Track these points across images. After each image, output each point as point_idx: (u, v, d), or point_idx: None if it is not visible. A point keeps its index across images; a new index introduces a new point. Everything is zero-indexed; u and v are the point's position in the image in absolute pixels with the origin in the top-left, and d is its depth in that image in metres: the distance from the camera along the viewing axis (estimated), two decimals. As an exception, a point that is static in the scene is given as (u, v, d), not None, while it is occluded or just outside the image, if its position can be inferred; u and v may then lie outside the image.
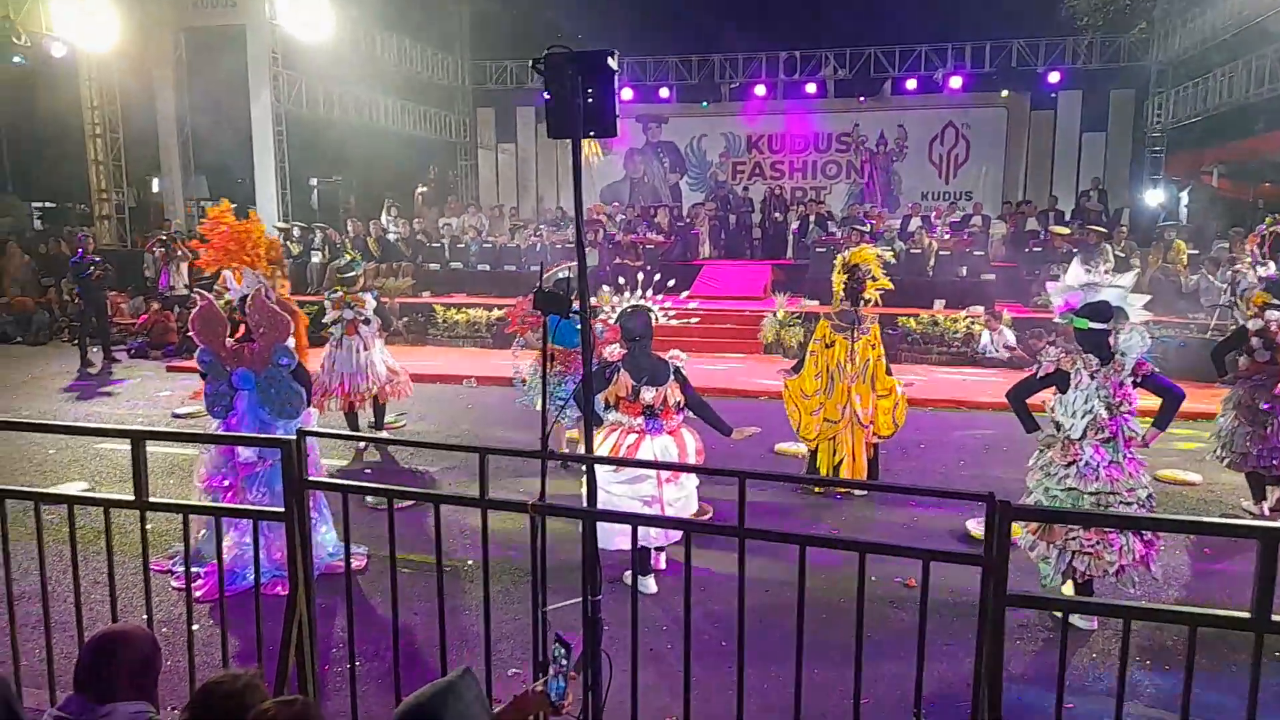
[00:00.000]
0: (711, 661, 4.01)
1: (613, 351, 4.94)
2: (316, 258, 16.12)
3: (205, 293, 5.29)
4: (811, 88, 20.56)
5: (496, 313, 14.13)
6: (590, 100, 2.46)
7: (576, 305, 2.81)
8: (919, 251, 14.82)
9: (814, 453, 6.90)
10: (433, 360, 12.44)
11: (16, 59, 15.36)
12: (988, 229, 16.68)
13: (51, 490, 4.36)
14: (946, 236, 15.75)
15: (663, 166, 22.25)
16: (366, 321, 7.99)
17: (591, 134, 2.51)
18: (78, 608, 3.07)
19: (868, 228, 15.27)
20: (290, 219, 17.48)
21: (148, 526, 3.15)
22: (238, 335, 5.29)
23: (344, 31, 17.78)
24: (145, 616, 3.19)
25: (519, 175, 23.70)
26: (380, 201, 19.89)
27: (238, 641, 3.17)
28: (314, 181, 23.22)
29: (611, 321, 4.97)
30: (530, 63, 2.62)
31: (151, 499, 3.01)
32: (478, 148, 24.09)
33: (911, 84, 19.97)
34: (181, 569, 5.06)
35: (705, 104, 21.59)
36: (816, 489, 6.81)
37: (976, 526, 5.88)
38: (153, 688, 2.34)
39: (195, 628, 3.16)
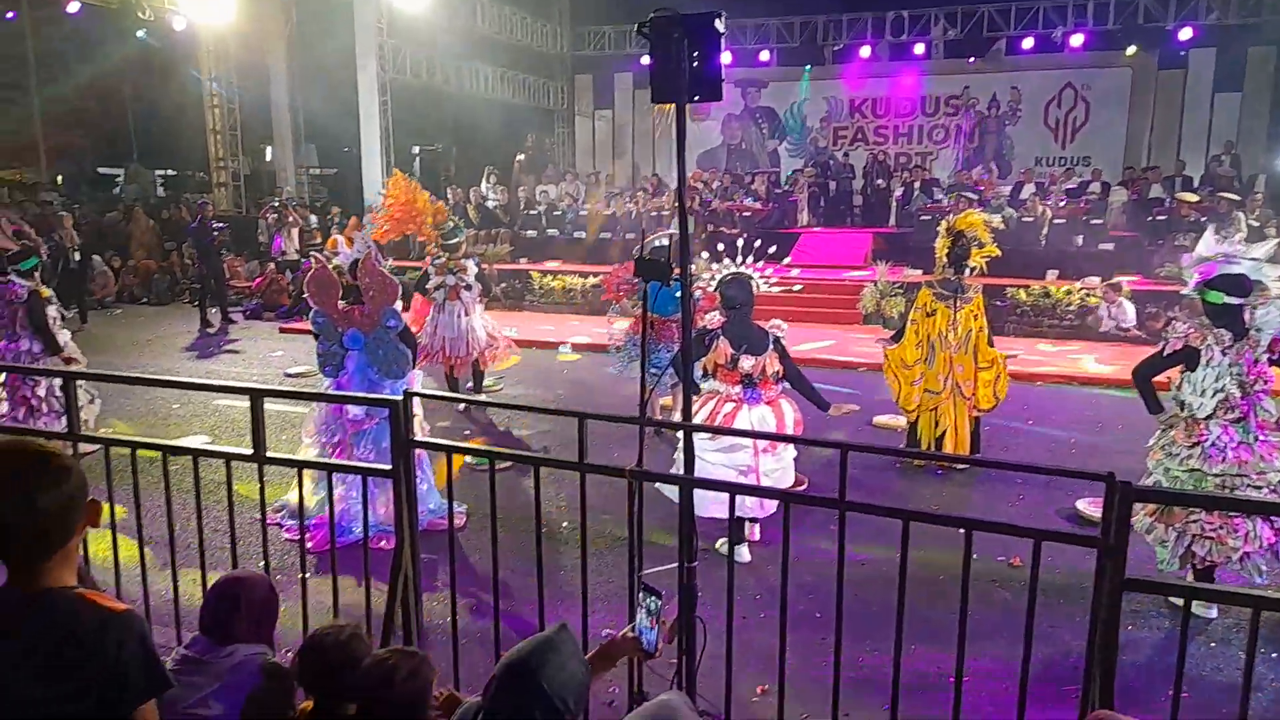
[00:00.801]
0: (805, 634, 3.98)
1: (711, 319, 4.91)
2: (419, 224, 16.57)
3: (319, 256, 5.50)
4: (919, 48, 19.83)
5: (591, 280, 14.24)
6: (695, 64, 2.43)
7: (677, 273, 2.80)
8: (1031, 219, 14.20)
9: (914, 425, 6.76)
10: (529, 326, 12.64)
11: (141, 33, 16.16)
12: (1107, 196, 15.83)
13: (177, 443, 4.65)
14: (1061, 204, 15.03)
15: (761, 132, 21.89)
16: (468, 287, 8.17)
17: (696, 98, 2.48)
18: (201, 554, 3.26)
19: (976, 194, 14.71)
20: (395, 186, 17.97)
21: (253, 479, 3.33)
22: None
23: (446, 1, 18.05)
24: (262, 564, 3.37)
25: (615, 142, 23.72)
26: (480, 169, 20.24)
27: (345, 592, 3.33)
28: (416, 150, 23.81)
29: (710, 289, 4.95)
30: (635, 26, 2.60)
31: (268, 453, 3.16)
32: (575, 115, 24.19)
33: (1028, 43, 19.00)
34: (289, 522, 5.33)
35: (808, 67, 21.06)
36: (916, 463, 6.66)
37: (1088, 507, 5.65)
38: (270, 631, 2.48)
39: (303, 576, 3.32)
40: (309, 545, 4.98)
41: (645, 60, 22.82)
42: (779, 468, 4.83)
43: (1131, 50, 18.64)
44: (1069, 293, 12.34)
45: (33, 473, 1.63)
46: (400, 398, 3.01)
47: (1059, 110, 19.61)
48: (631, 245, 13.97)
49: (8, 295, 6.71)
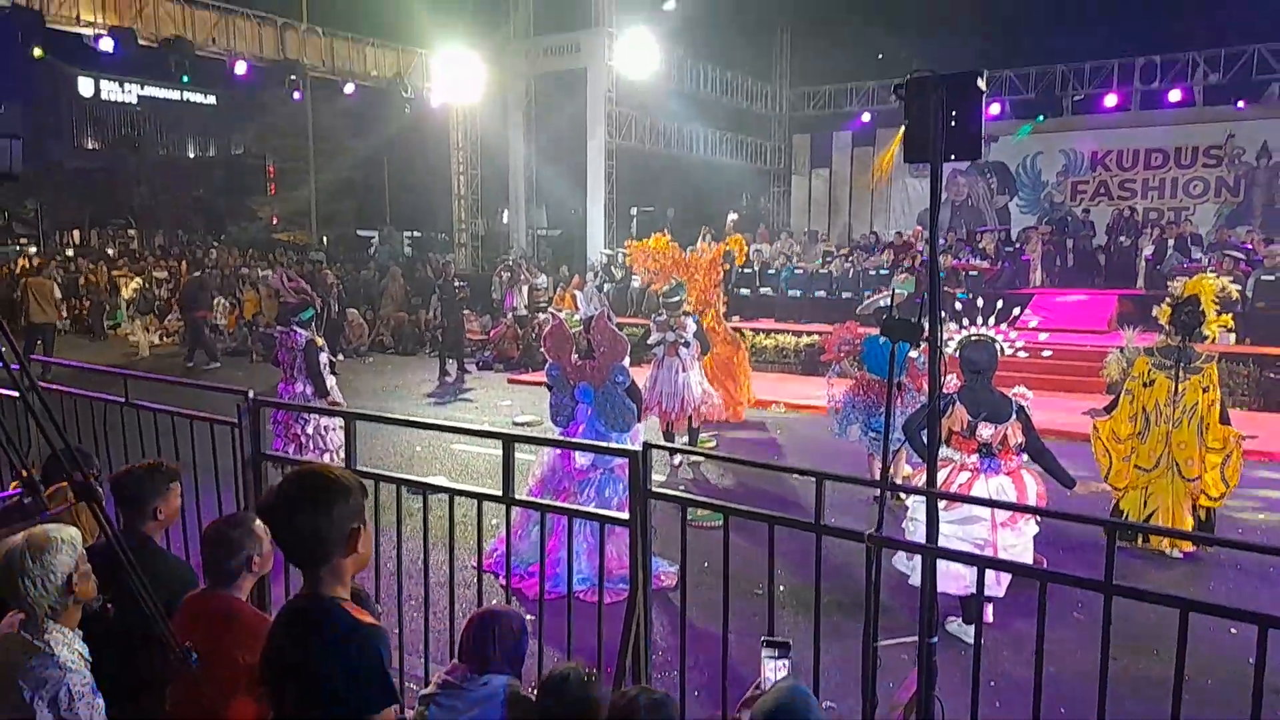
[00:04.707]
0: (1050, 728, 3.68)
1: (948, 382, 4.75)
2: (637, 282, 17.14)
3: (555, 313, 5.86)
4: (1175, 95, 18.37)
5: (805, 340, 14.13)
6: (954, 123, 2.42)
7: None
8: (1313, 282, 12.60)
9: (1117, 504, 6.16)
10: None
11: (407, 110, 18.10)
12: None
13: (435, 481, 5.06)
14: (1352, 264, 13.22)
15: (989, 188, 21.02)
16: (686, 344, 8.35)
17: (952, 157, 2.46)
18: (450, 588, 3.51)
19: (1244, 254, 13.31)
20: (615, 245, 18.82)
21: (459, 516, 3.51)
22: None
23: (670, 67, 18.91)
24: (498, 601, 3.58)
25: (831, 200, 23.65)
26: (695, 229, 20.76)
27: (571, 640, 3.46)
28: (634, 210, 24.87)
29: (950, 352, 4.79)
30: (892, 87, 2.63)
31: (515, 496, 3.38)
32: (791, 174, 24.40)
33: (1308, 84, 17.13)
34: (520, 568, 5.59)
35: (1041, 118, 20.06)
36: (1122, 543, 6.03)
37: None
38: (520, 664, 2.64)
39: (529, 617, 3.48)
40: (529, 593, 5.16)
41: (866, 118, 22.83)
42: (1018, 543, 4.54)
43: None
44: (1364, 366, 10.79)
45: (309, 492, 1.91)
46: (638, 448, 3.14)
47: (1347, 159, 17.43)
48: (850, 305, 13.76)
49: (289, 343, 7.58)
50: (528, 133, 20.57)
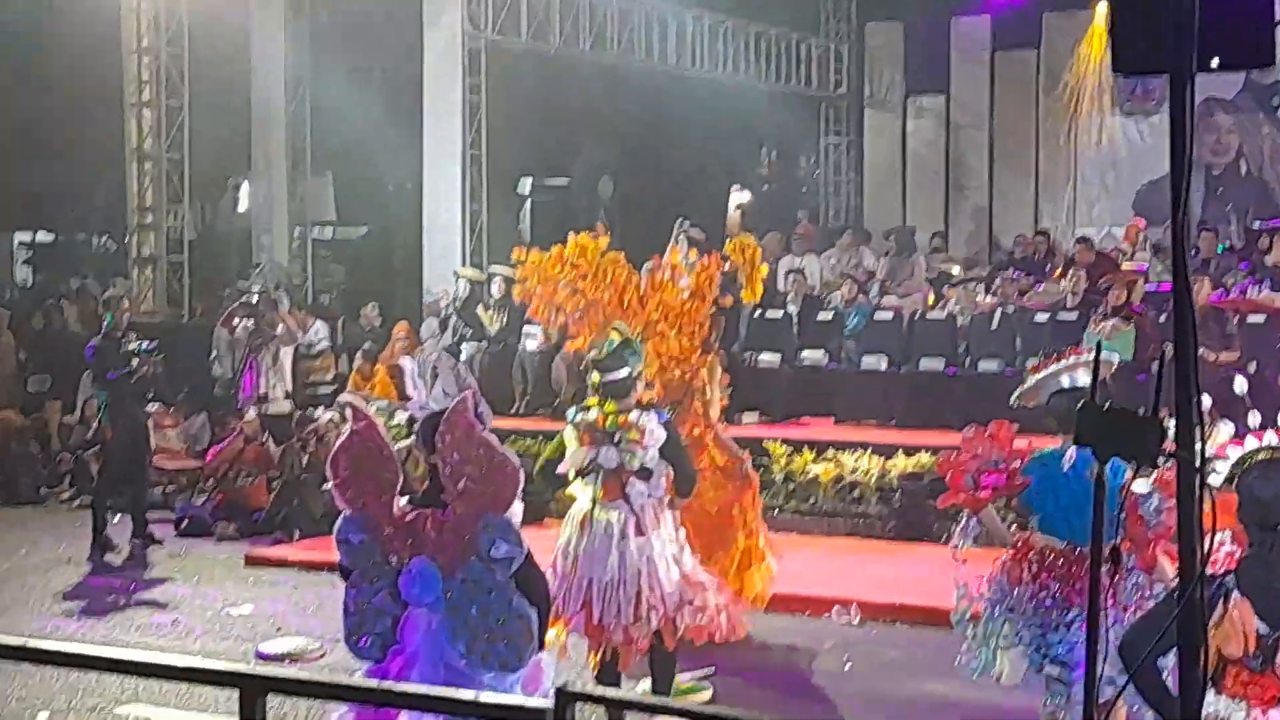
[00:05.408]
0: None
1: (1217, 551, 4.77)
2: (534, 342, 17.17)
3: (359, 406, 5.82)
4: None
5: (902, 464, 14.24)
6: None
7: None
8: None
9: None
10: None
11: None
12: None
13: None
14: None
15: (1283, 136, 21.72)
16: (645, 474, 8.34)
17: (1215, 63, 2.49)
18: None
19: None
20: (485, 258, 18.86)
21: None
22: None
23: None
24: None
25: (950, 162, 23.91)
26: (661, 224, 20.88)
27: None
28: (526, 186, 24.94)
29: (1218, 484, 4.85)
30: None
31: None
32: (863, 107, 24.77)
33: None
34: None
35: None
36: None
37: None
38: None
39: None
40: None
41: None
42: None
43: None
44: None
45: None
46: (543, 703, 3.10)
47: None
48: (996, 387, 13.89)
49: None
50: (295, 22, 20.71)
